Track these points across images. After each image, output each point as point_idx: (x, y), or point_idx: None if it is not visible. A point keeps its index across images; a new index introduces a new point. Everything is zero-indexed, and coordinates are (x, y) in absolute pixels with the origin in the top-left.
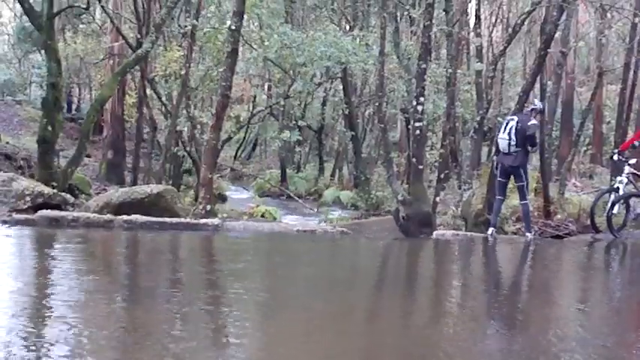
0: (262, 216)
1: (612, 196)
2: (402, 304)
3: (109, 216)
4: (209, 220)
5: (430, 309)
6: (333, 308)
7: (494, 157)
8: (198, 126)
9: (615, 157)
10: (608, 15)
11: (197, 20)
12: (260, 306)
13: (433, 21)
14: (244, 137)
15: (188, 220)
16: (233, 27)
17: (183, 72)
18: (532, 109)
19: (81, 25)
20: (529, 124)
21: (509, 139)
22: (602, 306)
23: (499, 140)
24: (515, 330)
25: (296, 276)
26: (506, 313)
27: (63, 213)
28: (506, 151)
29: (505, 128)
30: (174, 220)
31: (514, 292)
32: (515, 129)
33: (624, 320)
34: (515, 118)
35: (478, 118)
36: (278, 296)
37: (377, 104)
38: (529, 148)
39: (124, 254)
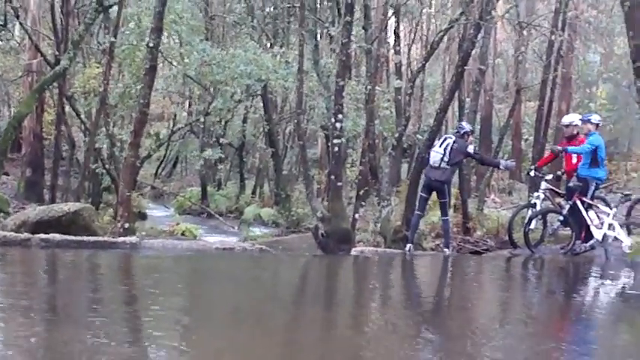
0: (182, 234)
1: (529, 212)
2: (318, 318)
3: (25, 235)
4: (127, 239)
5: (347, 324)
6: (247, 326)
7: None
8: (118, 143)
9: (532, 173)
10: (525, 32)
11: (115, 37)
12: (174, 325)
13: (352, 38)
14: (165, 155)
15: (105, 238)
16: (151, 44)
17: (101, 89)
18: (464, 133)
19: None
20: (467, 150)
21: (443, 154)
22: (518, 320)
23: (432, 153)
24: (434, 341)
25: (212, 294)
26: (422, 327)
27: None
28: (436, 165)
29: (442, 144)
30: (92, 238)
31: (428, 306)
32: (451, 147)
33: (540, 332)
34: (453, 137)
35: (397, 135)
36: (193, 315)
37: (296, 121)
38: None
39: (38, 273)
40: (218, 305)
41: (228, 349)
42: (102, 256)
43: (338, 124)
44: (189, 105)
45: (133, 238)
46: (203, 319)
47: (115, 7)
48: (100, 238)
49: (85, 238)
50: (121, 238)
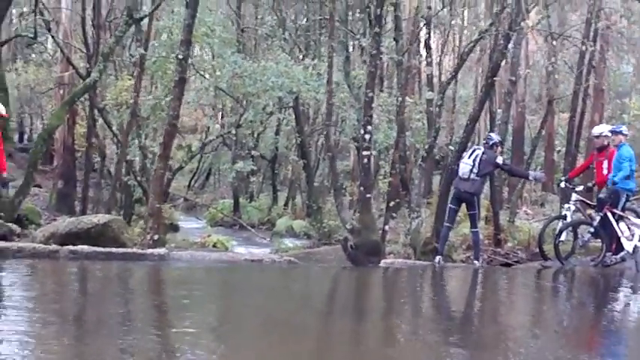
0: (214, 246)
1: (560, 224)
2: (345, 331)
3: (54, 246)
4: (155, 251)
5: (377, 335)
6: (276, 337)
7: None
8: (150, 155)
9: (562, 185)
10: (556, 43)
11: (146, 49)
12: (201, 339)
13: (384, 50)
14: (198, 167)
15: (134, 250)
16: (180, 56)
17: (132, 101)
18: (493, 144)
19: (32, 55)
20: (496, 161)
21: (473, 165)
22: (548, 331)
23: (461, 164)
24: (463, 354)
25: (236, 306)
26: (453, 338)
27: (7, 244)
28: (466, 177)
29: (471, 155)
30: (120, 250)
31: (456, 318)
32: (480, 158)
33: (570, 344)
34: (482, 148)
35: (427, 147)
36: (222, 329)
37: (325, 133)
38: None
39: (61, 285)
40: (245, 317)
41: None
42: (130, 268)
43: (367, 136)
44: (222, 117)
45: (161, 250)
46: (232, 332)
47: (146, 20)
48: (129, 250)
49: (113, 249)
50: (150, 250)
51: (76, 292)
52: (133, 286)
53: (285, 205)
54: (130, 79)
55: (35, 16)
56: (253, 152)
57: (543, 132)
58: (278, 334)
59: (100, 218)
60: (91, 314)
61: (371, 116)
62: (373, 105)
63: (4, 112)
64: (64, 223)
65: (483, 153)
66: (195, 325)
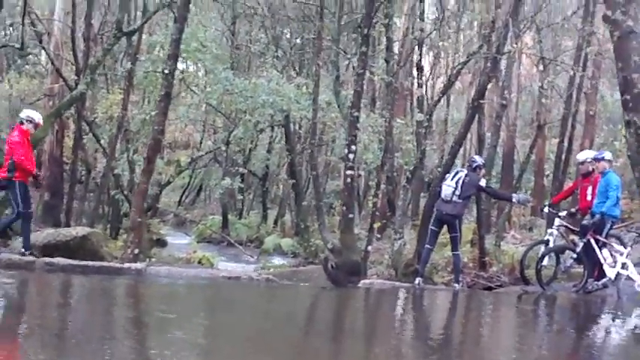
0: (200, 262)
1: (542, 249)
2: (311, 351)
3: (30, 258)
4: (132, 265)
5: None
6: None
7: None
8: (137, 170)
9: (546, 210)
10: (544, 68)
11: (134, 63)
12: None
13: (376, 71)
14: (189, 183)
15: (111, 264)
16: (167, 71)
17: (120, 115)
18: (477, 167)
19: (26, 66)
20: (479, 183)
21: (455, 187)
22: (527, 356)
23: (444, 186)
24: None
25: (196, 325)
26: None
27: None
28: (448, 199)
29: (453, 177)
30: (97, 263)
31: (432, 340)
32: (463, 181)
33: None
34: (465, 171)
35: (411, 168)
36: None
37: (310, 152)
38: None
39: (26, 297)
40: (205, 335)
41: None
42: (103, 282)
43: (351, 155)
44: (214, 133)
45: (138, 265)
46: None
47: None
48: (105, 264)
49: (90, 263)
50: (127, 265)
51: (38, 304)
52: (100, 301)
53: (275, 223)
54: (120, 93)
55: (23, 26)
56: (242, 169)
57: (533, 157)
58: (240, 353)
59: (79, 231)
60: (52, 327)
61: (355, 136)
62: (363, 125)
63: (41, 121)
64: (43, 234)
65: (466, 175)
66: (148, 344)
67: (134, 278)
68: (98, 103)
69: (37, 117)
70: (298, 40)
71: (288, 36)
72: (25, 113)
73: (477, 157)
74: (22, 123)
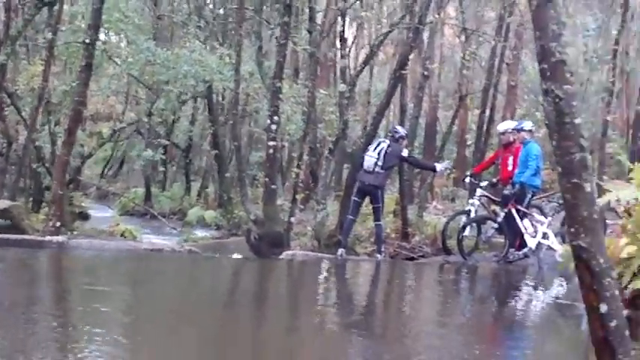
0: (122, 235)
1: (464, 219)
2: (238, 320)
3: None
4: (54, 238)
5: (269, 326)
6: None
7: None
8: (59, 142)
9: (467, 180)
10: (466, 38)
11: (55, 34)
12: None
13: (300, 41)
14: (111, 155)
15: (32, 237)
16: (87, 40)
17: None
18: (399, 137)
19: None
20: (401, 154)
21: (377, 158)
22: (449, 324)
23: (366, 157)
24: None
25: (118, 297)
26: (354, 329)
27: None
28: (370, 170)
29: (375, 148)
30: (18, 236)
31: (354, 309)
32: (386, 151)
33: (470, 338)
34: (387, 141)
35: (334, 139)
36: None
37: (232, 123)
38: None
39: None
40: (131, 306)
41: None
42: (23, 255)
43: (273, 126)
44: (137, 104)
45: (60, 238)
46: (117, 320)
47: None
48: (27, 237)
49: (10, 236)
50: (48, 237)
51: None
52: (21, 274)
53: (198, 195)
54: (41, 65)
55: None
56: (163, 141)
57: (455, 127)
58: (168, 323)
59: (0, 204)
60: None
61: (278, 107)
62: (286, 96)
63: None
64: None
65: (389, 146)
66: (70, 314)
67: (56, 251)
68: (19, 75)
69: None
70: (221, 11)
71: (211, 6)
72: None
73: (399, 128)
74: None
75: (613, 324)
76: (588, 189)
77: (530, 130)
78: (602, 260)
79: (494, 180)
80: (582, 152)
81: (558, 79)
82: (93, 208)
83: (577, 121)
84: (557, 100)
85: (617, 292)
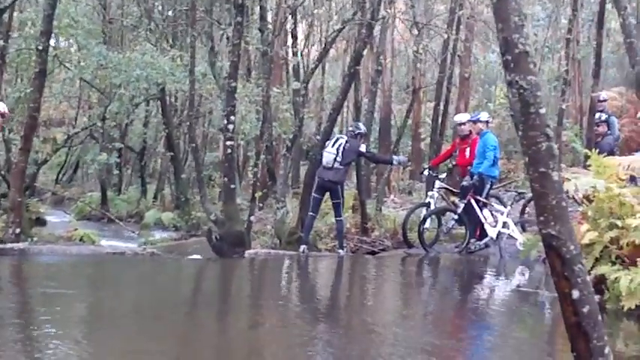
0: (81, 239)
1: (424, 211)
2: (205, 320)
3: None
4: (15, 245)
5: (237, 324)
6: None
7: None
8: (14, 149)
9: (425, 173)
10: (418, 32)
11: (6, 41)
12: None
13: (252, 40)
14: (65, 160)
15: None
16: (40, 47)
17: None
18: (358, 134)
19: None
20: (359, 149)
21: (336, 154)
22: (414, 316)
23: (325, 153)
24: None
25: (82, 301)
26: (310, 325)
27: None
28: (329, 166)
29: (334, 144)
30: None
31: (319, 304)
32: (344, 147)
33: (436, 328)
34: (345, 137)
35: (291, 137)
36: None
37: (189, 124)
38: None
39: None
40: (100, 309)
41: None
42: None
43: (230, 126)
44: (90, 109)
45: (21, 244)
46: (85, 324)
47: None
48: None
49: None
50: (9, 245)
51: None
52: None
53: (155, 197)
54: None
55: None
56: (118, 144)
57: (410, 121)
58: (126, 327)
59: None
60: None
61: (234, 106)
62: (240, 95)
63: (6, 110)
64: None
65: (347, 142)
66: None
67: (17, 258)
68: None
69: (2, 107)
70: (170, 13)
71: (160, 8)
72: None
73: (360, 125)
74: None
75: (586, 309)
76: (556, 177)
77: (486, 121)
78: (572, 247)
79: (450, 165)
80: (548, 141)
81: (522, 70)
82: (49, 213)
83: (542, 110)
84: (521, 90)
85: (588, 278)
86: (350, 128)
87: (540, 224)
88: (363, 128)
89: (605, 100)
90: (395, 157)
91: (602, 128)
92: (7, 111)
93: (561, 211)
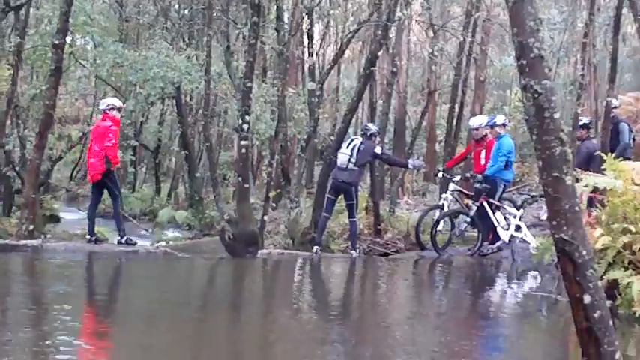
0: None
1: (437, 214)
2: (216, 320)
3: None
4: (28, 242)
5: (249, 325)
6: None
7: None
8: (29, 146)
9: (440, 175)
10: (434, 34)
11: (23, 38)
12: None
13: (266, 40)
14: (80, 157)
15: (7, 241)
16: (56, 44)
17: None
18: (372, 134)
19: None
20: (374, 151)
21: (351, 155)
22: (426, 318)
23: (339, 155)
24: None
25: (100, 297)
26: (325, 325)
27: None
28: (344, 167)
29: (349, 145)
30: None
31: (332, 305)
32: (359, 149)
33: (448, 329)
34: (360, 139)
35: (305, 137)
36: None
37: (204, 123)
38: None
39: None
40: (111, 307)
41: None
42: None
43: (245, 126)
44: None
45: (34, 241)
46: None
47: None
48: (0, 241)
49: None
50: (23, 241)
51: None
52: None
53: (168, 196)
54: (9, 69)
55: None
56: (133, 142)
57: (424, 123)
58: (141, 327)
59: None
60: None
61: (249, 106)
62: (255, 95)
63: (122, 104)
64: None
65: (362, 143)
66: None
67: (31, 255)
68: None
69: (119, 102)
70: (187, 12)
71: (176, 7)
72: (106, 102)
73: (371, 125)
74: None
75: (597, 314)
76: (569, 182)
77: (503, 124)
78: (584, 252)
79: (468, 174)
80: (562, 146)
81: (537, 75)
82: (63, 210)
83: (556, 115)
84: (536, 95)
85: (599, 283)
86: (362, 131)
87: (553, 228)
88: (374, 128)
89: (616, 107)
90: (410, 160)
91: (580, 133)
92: (123, 105)
93: (574, 215)
